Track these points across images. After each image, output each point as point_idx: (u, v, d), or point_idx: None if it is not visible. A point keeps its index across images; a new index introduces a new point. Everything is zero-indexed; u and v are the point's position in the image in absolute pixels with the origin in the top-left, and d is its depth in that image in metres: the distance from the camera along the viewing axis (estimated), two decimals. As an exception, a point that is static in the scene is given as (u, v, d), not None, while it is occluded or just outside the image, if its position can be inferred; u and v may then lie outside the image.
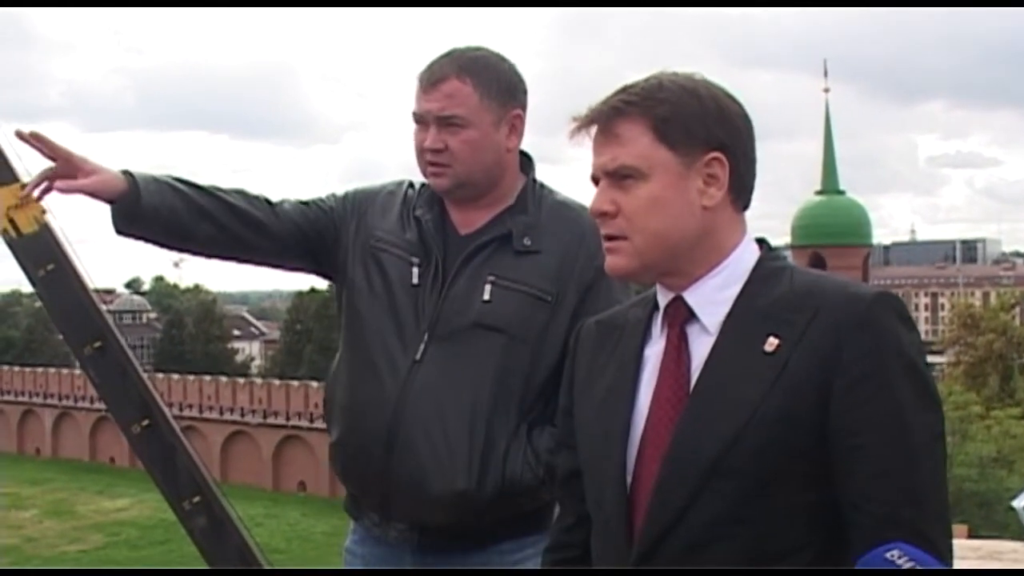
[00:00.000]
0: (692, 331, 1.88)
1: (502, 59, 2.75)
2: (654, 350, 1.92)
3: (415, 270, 2.73)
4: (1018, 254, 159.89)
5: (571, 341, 2.14)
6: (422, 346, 2.68)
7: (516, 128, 2.75)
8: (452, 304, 2.68)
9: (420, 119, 2.70)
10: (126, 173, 2.74)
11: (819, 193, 49.74)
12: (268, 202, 2.86)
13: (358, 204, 2.88)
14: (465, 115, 2.66)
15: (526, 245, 2.70)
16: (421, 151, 2.70)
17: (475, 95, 2.67)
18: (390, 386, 2.68)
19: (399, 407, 2.65)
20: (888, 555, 1.69)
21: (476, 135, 2.68)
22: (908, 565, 1.68)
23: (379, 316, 2.75)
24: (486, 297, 2.66)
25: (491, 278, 2.67)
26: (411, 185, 2.89)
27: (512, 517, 2.64)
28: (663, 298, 1.93)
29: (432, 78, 2.68)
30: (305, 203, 2.89)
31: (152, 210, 2.72)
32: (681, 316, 1.89)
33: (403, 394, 2.66)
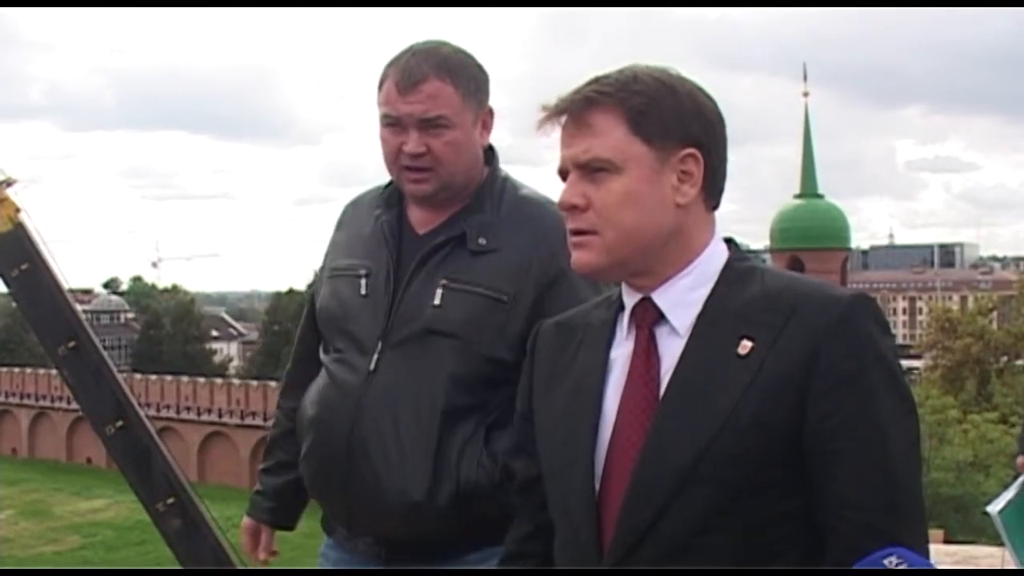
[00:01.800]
0: (661, 333, 1.83)
1: (468, 54, 2.68)
2: (620, 352, 1.87)
3: (362, 281, 2.68)
4: (995, 259, 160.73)
5: (529, 343, 2.08)
6: (376, 355, 2.63)
7: (487, 125, 2.70)
8: (405, 310, 2.62)
9: (396, 122, 2.61)
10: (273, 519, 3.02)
11: (798, 197, 49.85)
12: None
13: (323, 260, 2.89)
14: (449, 115, 2.59)
15: (481, 245, 2.62)
16: (396, 156, 2.62)
17: (457, 95, 2.60)
18: (347, 397, 2.64)
19: (355, 418, 2.61)
20: (886, 561, 1.68)
21: (460, 136, 2.61)
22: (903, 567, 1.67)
23: (336, 332, 2.72)
24: (436, 302, 2.59)
25: (443, 281, 2.60)
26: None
27: (474, 526, 2.57)
28: (630, 299, 1.88)
29: (411, 79, 2.57)
30: (311, 320, 2.92)
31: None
32: (650, 317, 1.84)
33: (359, 404, 2.61)
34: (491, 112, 2.71)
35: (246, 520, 2.98)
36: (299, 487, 2.88)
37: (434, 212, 2.69)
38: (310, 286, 3.00)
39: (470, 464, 2.57)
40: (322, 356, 2.78)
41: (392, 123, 2.61)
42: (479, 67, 2.68)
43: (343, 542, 2.78)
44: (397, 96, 2.59)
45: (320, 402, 2.71)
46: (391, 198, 2.74)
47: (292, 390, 2.94)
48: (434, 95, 2.58)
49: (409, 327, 2.61)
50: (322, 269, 2.89)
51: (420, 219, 2.71)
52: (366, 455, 2.60)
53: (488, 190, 2.70)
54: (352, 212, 2.88)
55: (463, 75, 2.62)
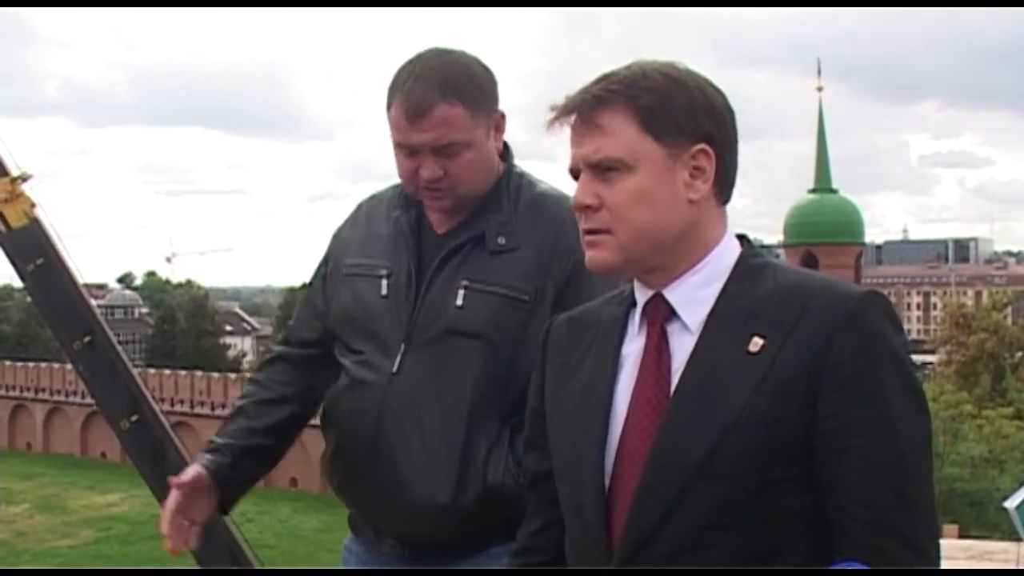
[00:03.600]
0: (672, 329, 1.83)
1: (471, 61, 2.62)
2: (632, 349, 1.86)
3: (383, 282, 2.66)
4: (1010, 253, 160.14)
5: (541, 338, 2.07)
6: (399, 356, 2.61)
7: (499, 128, 2.66)
8: (427, 312, 2.60)
9: (410, 151, 2.56)
10: (214, 476, 2.70)
11: (812, 192, 49.85)
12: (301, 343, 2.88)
13: (331, 250, 2.87)
14: (462, 139, 2.54)
15: (501, 244, 2.60)
16: (412, 177, 2.59)
17: (466, 114, 2.54)
18: (370, 399, 2.62)
19: (379, 420, 2.59)
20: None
21: (474, 155, 2.58)
22: None
23: (357, 333, 2.70)
24: (459, 302, 2.57)
25: (464, 282, 2.58)
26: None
27: (500, 524, 2.53)
28: (641, 295, 1.88)
29: (418, 109, 2.50)
30: (314, 307, 2.88)
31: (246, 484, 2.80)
32: (661, 314, 1.84)
33: (383, 406, 2.60)
34: (502, 115, 2.66)
35: (194, 469, 2.68)
36: (255, 457, 2.78)
37: (452, 211, 2.66)
38: (316, 276, 2.89)
39: (496, 466, 2.56)
40: (341, 359, 2.75)
41: (406, 151, 2.57)
42: (484, 72, 2.63)
43: (369, 544, 2.76)
44: (407, 125, 2.54)
45: (344, 404, 2.69)
46: (409, 198, 2.71)
47: (269, 363, 2.91)
48: (444, 120, 2.52)
49: (432, 328, 2.59)
50: (327, 262, 2.86)
51: (439, 218, 2.68)
52: (391, 457, 2.59)
53: (505, 187, 2.67)
54: (368, 210, 2.85)
55: (469, 91, 2.56)
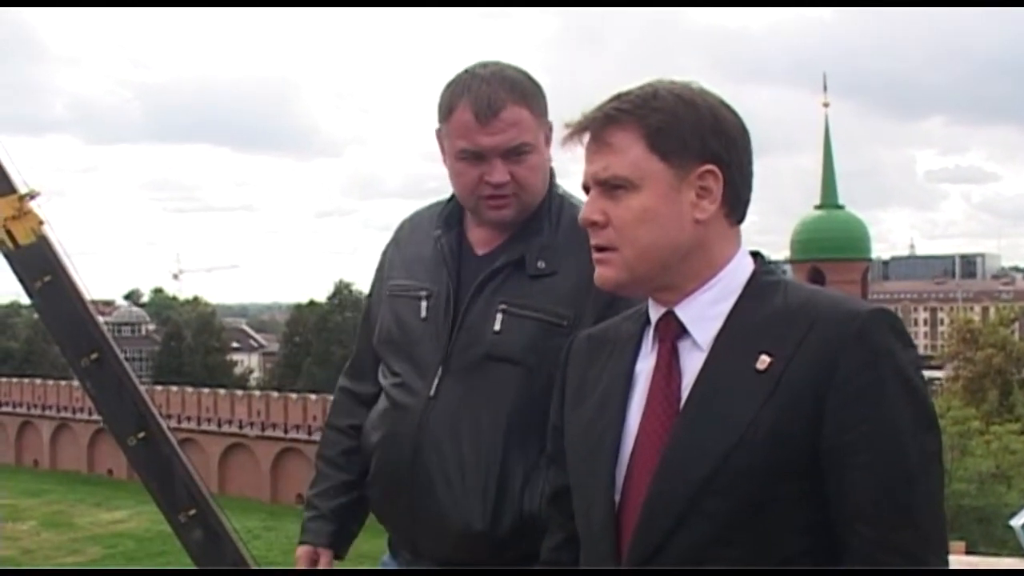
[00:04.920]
0: (683, 347, 1.84)
1: (525, 71, 2.61)
2: (645, 366, 1.88)
3: (423, 304, 2.64)
4: (1017, 269, 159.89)
5: (562, 356, 2.09)
6: (436, 381, 2.58)
7: (548, 140, 2.62)
8: (465, 336, 2.57)
9: (477, 155, 2.53)
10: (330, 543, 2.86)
11: (818, 207, 49.70)
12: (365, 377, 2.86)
13: (377, 274, 2.86)
14: (530, 141, 2.54)
15: (540, 268, 2.56)
16: (475, 186, 2.56)
17: (532, 117, 2.54)
18: (408, 423, 2.60)
19: (417, 445, 2.57)
20: None
21: (538, 159, 2.58)
22: None
23: (396, 354, 2.68)
24: (496, 327, 2.54)
25: (502, 306, 2.55)
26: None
27: (537, 553, 2.42)
28: (654, 313, 1.89)
29: (492, 108, 2.49)
30: (368, 334, 2.85)
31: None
32: (672, 331, 1.85)
33: (420, 431, 2.57)
34: (551, 127, 2.63)
35: (302, 548, 2.84)
36: (357, 509, 2.85)
37: (494, 232, 2.64)
38: (368, 304, 2.87)
39: (533, 494, 2.52)
40: (381, 380, 2.74)
41: (472, 156, 2.55)
42: (538, 83, 2.62)
43: (407, 566, 2.74)
44: (478, 127, 2.52)
45: (382, 427, 2.68)
46: (451, 218, 2.70)
47: (345, 407, 2.90)
48: (515, 122, 2.52)
49: (469, 353, 2.57)
50: (376, 284, 2.85)
51: (480, 239, 2.66)
52: (429, 482, 2.57)
53: (546, 209, 2.64)
54: (409, 230, 2.83)
55: (534, 95, 2.57)
